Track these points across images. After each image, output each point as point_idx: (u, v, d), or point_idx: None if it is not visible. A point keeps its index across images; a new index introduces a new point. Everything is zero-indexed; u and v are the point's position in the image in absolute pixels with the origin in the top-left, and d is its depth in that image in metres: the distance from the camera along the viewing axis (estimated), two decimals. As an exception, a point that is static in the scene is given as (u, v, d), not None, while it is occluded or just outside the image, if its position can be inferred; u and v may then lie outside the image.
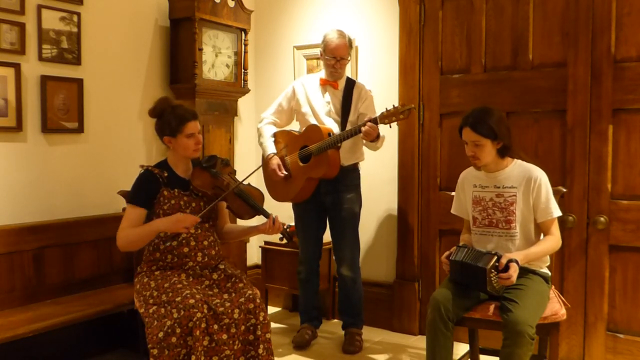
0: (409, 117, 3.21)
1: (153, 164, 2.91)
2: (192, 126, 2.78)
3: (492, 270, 2.49)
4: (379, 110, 3.52)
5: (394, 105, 3.21)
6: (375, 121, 3.23)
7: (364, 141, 3.38)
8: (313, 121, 3.53)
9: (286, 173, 3.50)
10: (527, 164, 2.74)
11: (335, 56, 3.46)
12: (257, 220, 2.95)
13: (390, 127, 3.27)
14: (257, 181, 3.90)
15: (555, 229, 2.69)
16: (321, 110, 3.55)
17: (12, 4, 3.12)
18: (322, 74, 3.60)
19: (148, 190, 2.76)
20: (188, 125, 2.77)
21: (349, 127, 3.47)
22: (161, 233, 2.73)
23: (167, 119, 2.78)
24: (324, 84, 3.56)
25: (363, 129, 3.22)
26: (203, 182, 2.82)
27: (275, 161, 3.51)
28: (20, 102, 3.17)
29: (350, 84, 3.57)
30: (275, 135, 3.63)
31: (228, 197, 2.82)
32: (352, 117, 3.52)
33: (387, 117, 3.20)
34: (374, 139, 3.30)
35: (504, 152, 2.71)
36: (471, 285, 2.63)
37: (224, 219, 3.02)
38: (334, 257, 3.80)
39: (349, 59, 3.55)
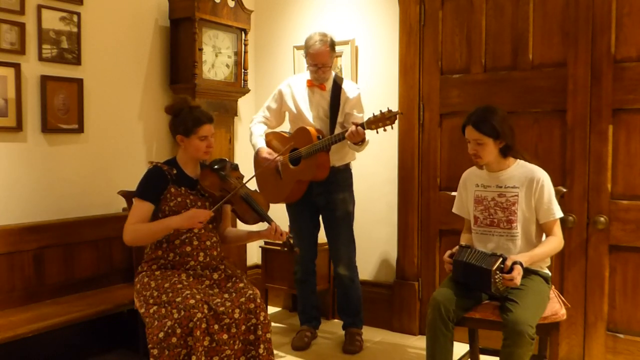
0: (395, 122, 3.18)
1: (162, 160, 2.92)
2: (206, 129, 2.81)
3: (497, 272, 2.49)
4: (367, 109, 3.52)
5: (380, 111, 3.18)
6: (362, 126, 3.21)
7: (348, 142, 3.34)
8: (301, 123, 3.52)
9: (276, 155, 3.41)
10: (530, 164, 2.74)
11: (317, 63, 3.42)
12: (259, 227, 2.97)
13: (377, 132, 3.23)
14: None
15: (558, 230, 2.69)
16: (309, 112, 3.53)
17: (12, 4, 3.12)
18: (308, 74, 3.56)
19: (156, 185, 2.77)
20: (203, 127, 2.80)
21: (338, 128, 3.47)
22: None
23: (184, 118, 2.81)
24: (311, 85, 3.53)
25: (349, 130, 3.21)
26: (212, 183, 2.85)
27: (265, 150, 3.50)
28: (20, 102, 3.17)
29: (338, 84, 3.51)
30: (265, 135, 3.62)
31: (234, 201, 2.85)
32: (340, 119, 3.50)
33: (374, 122, 3.18)
34: (358, 142, 3.28)
35: (506, 151, 2.71)
36: (474, 286, 2.63)
37: (226, 222, 3.02)
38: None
39: (331, 64, 3.49)
